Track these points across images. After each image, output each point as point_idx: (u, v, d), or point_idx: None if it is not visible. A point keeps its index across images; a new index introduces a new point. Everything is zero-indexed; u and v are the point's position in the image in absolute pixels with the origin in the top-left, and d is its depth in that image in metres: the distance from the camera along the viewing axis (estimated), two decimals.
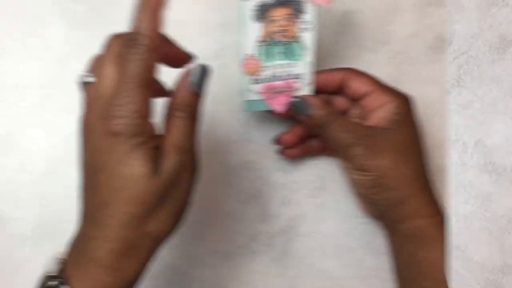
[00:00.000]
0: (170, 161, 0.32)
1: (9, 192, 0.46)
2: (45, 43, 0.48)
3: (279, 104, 0.41)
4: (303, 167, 0.46)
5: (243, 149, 0.46)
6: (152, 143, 0.32)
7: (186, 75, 0.34)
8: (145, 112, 0.32)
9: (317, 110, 0.40)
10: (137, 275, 0.33)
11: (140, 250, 0.32)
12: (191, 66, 0.35)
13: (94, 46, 0.47)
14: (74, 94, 0.47)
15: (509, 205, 0.43)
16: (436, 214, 0.40)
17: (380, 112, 0.40)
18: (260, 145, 0.46)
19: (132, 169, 0.31)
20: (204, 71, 0.34)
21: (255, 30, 0.38)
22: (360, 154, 0.39)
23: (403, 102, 0.41)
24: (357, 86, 0.41)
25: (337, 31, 0.47)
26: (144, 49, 0.31)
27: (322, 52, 0.47)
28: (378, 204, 0.41)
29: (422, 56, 0.47)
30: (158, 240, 0.33)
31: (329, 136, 0.40)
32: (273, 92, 0.41)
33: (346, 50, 0.47)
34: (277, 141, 0.44)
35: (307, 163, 0.46)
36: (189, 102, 0.34)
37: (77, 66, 0.47)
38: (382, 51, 0.47)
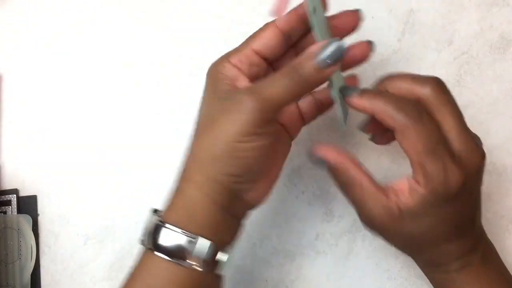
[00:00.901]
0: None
1: (73, 192, 0.46)
2: None
3: None
4: (367, 166, 0.46)
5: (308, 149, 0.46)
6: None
7: (316, 47, 0.32)
8: (239, 59, 0.35)
9: (337, 169, 0.36)
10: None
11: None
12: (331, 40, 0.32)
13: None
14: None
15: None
16: (451, 262, 0.36)
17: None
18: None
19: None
20: (337, 52, 0.32)
21: None
22: (369, 230, 0.37)
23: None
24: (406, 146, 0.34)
25: (401, 30, 0.47)
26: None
27: (386, 50, 0.47)
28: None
29: (486, 56, 0.47)
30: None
31: (348, 197, 0.37)
32: None
33: (410, 49, 0.47)
34: (365, 129, 0.40)
35: (372, 162, 0.46)
36: (304, 69, 0.32)
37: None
38: (446, 50, 0.47)
